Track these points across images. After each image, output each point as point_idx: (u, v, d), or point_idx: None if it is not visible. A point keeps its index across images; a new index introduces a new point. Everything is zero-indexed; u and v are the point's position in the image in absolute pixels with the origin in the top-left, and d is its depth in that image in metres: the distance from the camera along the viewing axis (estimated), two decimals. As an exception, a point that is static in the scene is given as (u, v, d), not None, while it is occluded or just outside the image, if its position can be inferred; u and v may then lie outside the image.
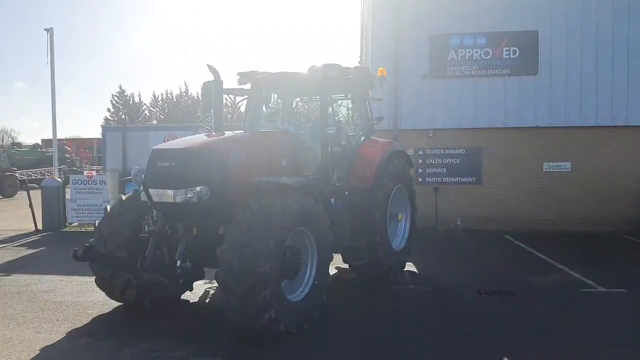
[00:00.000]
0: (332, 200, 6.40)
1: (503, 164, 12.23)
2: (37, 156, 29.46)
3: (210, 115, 6.94)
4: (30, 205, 12.43)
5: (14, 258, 9.12)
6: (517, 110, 12.13)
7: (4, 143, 38.63)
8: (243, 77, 7.39)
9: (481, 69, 12.17)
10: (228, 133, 6.30)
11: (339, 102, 7.95)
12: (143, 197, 5.41)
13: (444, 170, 12.37)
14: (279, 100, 8.19)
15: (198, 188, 5.14)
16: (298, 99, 8.28)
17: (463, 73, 12.23)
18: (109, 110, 48.29)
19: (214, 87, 6.48)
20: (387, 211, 7.30)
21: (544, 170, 12.22)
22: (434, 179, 12.36)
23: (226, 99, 37.57)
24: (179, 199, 5.16)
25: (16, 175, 24.13)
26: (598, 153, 12.07)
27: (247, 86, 7.48)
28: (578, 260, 8.72)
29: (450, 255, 9.50)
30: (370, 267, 7.14)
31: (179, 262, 5.22)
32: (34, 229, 12.32)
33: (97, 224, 6.03)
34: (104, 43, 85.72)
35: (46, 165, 26.93)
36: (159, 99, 49.00)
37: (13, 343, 5.01)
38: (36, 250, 9.92)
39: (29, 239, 11.26)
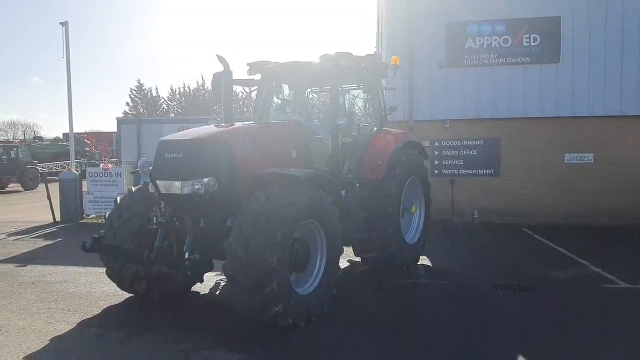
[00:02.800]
0: (343, 192, 6.28)
1: (522, 155, 11.93)
2: (58, 149, 30.01)
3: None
4: (49, 197, 12.62)
5: (31, 249, 9.26)
6: (538, 100, 11.79)
7: (26, 137, 39.38)
8: (253, 67, 7.29)
9: (500, 58, 11.86)
10: (237, 124, 6.21)
11: (351, 92, 7.77)
12: (151, 189, 5.37)
13: (461, 162, 12.12)
14: (290, 91, 8.07)
15: (205, 179, 5.07)
16: (309, 90, 8.15)
17: (481, 62, 11.93)
18: (127, 104, 48.93)
19: (223, 78, 6.41)
20: (400, 203, 7.15)
21: (565, 161, 11.88)
22: (450, 170, 12.13)
23: (242, 91, 37.68)
24: (186, 191, 5.11)
25: (37, 168, 24.63)
26: (622, 144, 11.68)
27: (257, 77, 7.39)
28: (599, 254, 8.44)
29: (465, 249, 9.30)
30: (383, 260, 7.02)
31: (186, 254, 5.18)
32: (52, 220, 12.51)
33: (107, 216, 6.04)
34: (123, 37, 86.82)
35: (67, 159, 27.33)
36: (176, 93, 49.41)
37: (25, 333, 5.05)
38: (53, 241, 10.06)
39: (47, 231, 11.43)
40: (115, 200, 6.10)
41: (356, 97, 7.94)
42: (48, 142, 32.85)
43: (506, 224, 11.45)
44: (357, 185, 6.66)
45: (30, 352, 4.56)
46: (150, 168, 5.36)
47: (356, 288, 6.66)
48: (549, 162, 11.88)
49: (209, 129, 5.82)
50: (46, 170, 25.30)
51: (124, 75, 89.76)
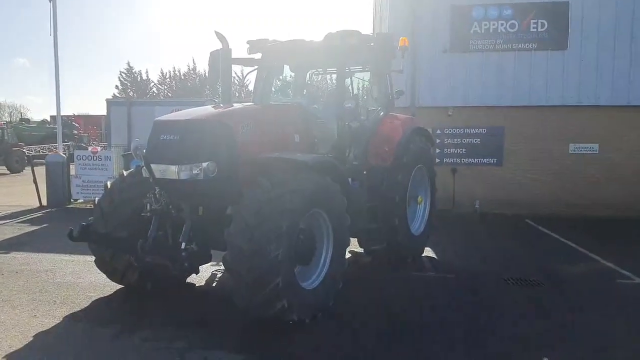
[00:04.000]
0: (349, 180, 5.91)
1: (526, 144, 11.61)
2: (45, 132, 29.25)
3: (218, 87, 6.47)
4: (35, 181, 12.11)
5: (15, 235, 8.78)
6: (544, 88, 11.44)
7: (13, 119, 38.40)
8: (253, 45, 6.83)
9: (506, 43, 11.46)
10: (237, 105, 5.79)
11: (357, 74, 7.35)
12: (145, 173, 4.95)
13: (463, 150, 11.78)
14: (291, 73, 7.63)
15: (204, 164, 4.67)
16: (312, 71, 7.71)
17: (486, 47, 11.52)
18: (117, 87, 47.99)
19: (222, 57, 5.98)
20: (407, 193, 6.81)
21: (570, 151, 11.58)
22: (452, 159, 11.79)
23: (236, 75, 36.93)
24: (183, 176, 4.70)
25: (24, 150, 23.92)
26: (629, 134, 11.39)
27: (258, 56, 6.93)
28: (609, 248, 8.18)
29: (469, 240, 9.01)
30: (388, 251, 6.69)
31: (183, 244, 4.80)
32: (38, 205, 12.01)
33: (96, 201, 5.62)
34: (113, 18, 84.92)
35: (54, 141, 26.62)
36: (166, 77, 48.53)
37: (6, 327, 4.65)
38: (39, 227, 9.59)
39: (33, 215, 10.94)
40: (106, 185, 5.67)
41: (364, 81, 7.50)
42: (35, 125, 32.01)
43: (508, 215, 11.17)
44: (364, 172, 6.29)
45: (11, 351, 4.16)
46: (144, 151, 4.94)
47: (362, 281, 6.31)
48: (553, 152, 11.59)
49: (208, 109, 5.40)
50: (33, 153, 24.58)
51: (113, 58, 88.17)
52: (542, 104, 11.47)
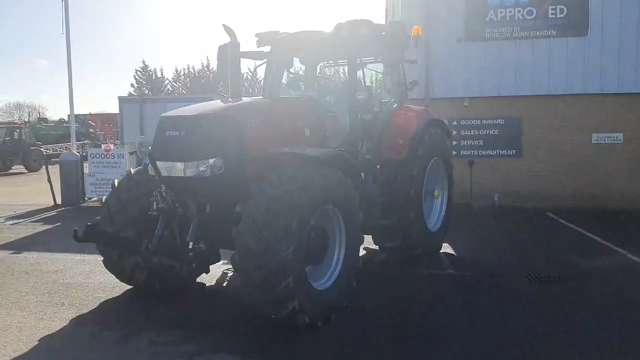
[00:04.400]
0: (362, 174, 5.69)
1: (546, 135, 11.23)
2: (62, 131, 29.51)
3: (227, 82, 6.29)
4: (49, 180, 12.14)
5: (29, 234, 8.78)
6: (564, 76, 11.03)
7: (31, 118, 38.91)
8: (262, 38, 6.63)
9: (523, 31, 11.07)
10: (245, 99, 5.61)
11: (368, 65, 7.10)
12: (151, 171, 4.80)
13: (481, 142, 11.45)
14: (301, 65, 7.42)
15: (211, 160, 4.50)
16: (323, 64, 7.49)
17: (503, 35, 11.16)
18: (132, 85, 48.25)
19: (230, 50, 5.79)
20: (423, 187, 6.56)
21: (593, 142, 11.17)
22: (469, 151, 11.47)
23: (247, 71, 36.80)
24: (189, 173, 4.54)
25: (41, 149, 24.16)
26: (655, 123, 10.93)
27: (267, 49, 6.74)
28: (635, 241, 7.82)
29: (489, 235, 8.71)
30: (404, 249, 6.45)
31: (190, 244, 4.65)
32: (52, 203, 12.04)
33: (104, 200, 5.51)
34: (128, 17, 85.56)
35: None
36: (180, 74, 48.65)
37: (12, 331, 4.56)
38: (52, 226, 9.58)
39: (47, 214, 10.95)
40: (113, 184, 5.55)
41: (374, 71, 7.25)
42: (52, 124, 32.38)
43: (528, 208, 10.83)
44: (377, 166, 6.06)
45: (15, 355, 4.06)
46: (150, 148, 4.78)
47: (377, 280, 6.10)
48: (575, 142, 11.18)
49: (215, 104, 5.23)
50: (50, 151, 24.86)
51: (129, 56, 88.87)
52: (562, 92, 11.08)
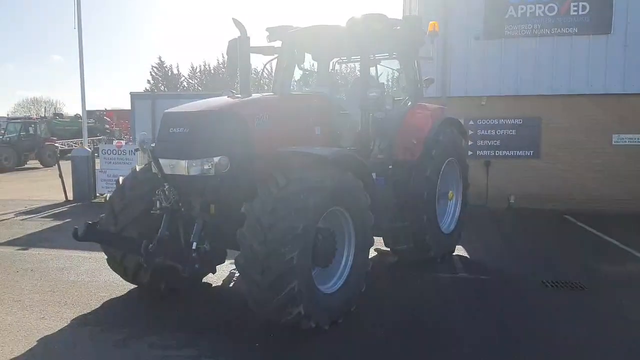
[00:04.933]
0: (374, 175, 5.49)
1: (565, 136, 10.87)
2: (78, 127, 29.60)
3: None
4: (60, 176, 12.15)
5: (37, 230, 8.75)
6: (585, 75, 10.66)
7: (47, 114, 39.35)
8: (273, 33, 6.47)
9: (544, 28, 10.72)
10: (254, 96, 5.44)
11: (385, 62, 6.88)
12: (154, 169, 4.66)
13: (497, 142, 11.14)
14: (314, 61, 7.23)
15: (216, 159, 4.35)
16: (335, 60, 7.29)
17: (523, 32, 10.81)
18: (148, 82, 48.53)
19: (239, 45, 5.62)
20: (437, 188, 6.34)
21: (613, 143, 10.79)
22: (485, 152, 11.17)
23: (263, 68, 36.62)
24: (193, 172, 4.39)
25: (57, 145, 24.34)
26: (679, 124, 10.51)
27: (278, 44, 6.57)
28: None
29: (504, 238, 8.44)
30: (416, 251, 6.24)
31: (194, 245, 4.50)
32: (64, 199, 12.05)
33: (107, 198, 5.39)
34: (144, 12, 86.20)
35: (88, 136, 27.13)
36: (197, 71, 48.81)
37: (12, 331, 4.46)
38: (61, 222, 9.55)
39: (57, 210, 10.94)
40: (117, 181, 5.44)
41: (388, 68, 7.02)
42: (68, 119, 32.68)
43: (546, 210, 10.51)
44: (390, 167, 5.86)
45: (12, 356, 3.95)
46: (153, 145, 4.64)
47: (387, 283, 5.90)
48: (595, 144, 10.81)
49: (221, 100, 5.06)
50: (66, 147, 25.05)
51: (146, 52, 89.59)
52: (583, 92, 10.70)
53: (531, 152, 11.07)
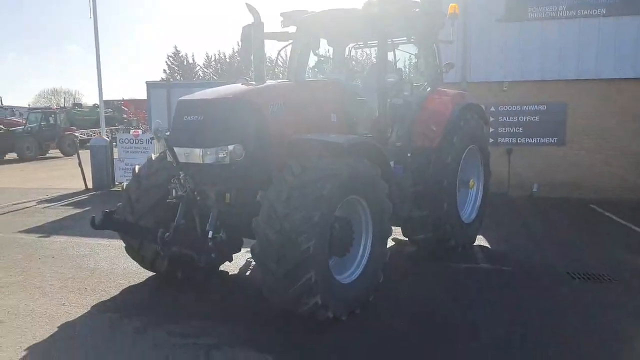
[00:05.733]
0: (392, 163, 5.37)
1: (591, 122, 10.53)
2: (97, 116, 30.00)
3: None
4: (80, 165, 12.28)
5: (58, 218, 8.86)
6: (612, 59, 10.27)
7: (66, 104, 39.94)
8: (287, 18, 6.32)
9: (569, 9, 10.33)
10: (269, 82, 5.34)
11: (402, 46, 6.69)
12: (169, 157, 4.62)
13: (520, 129, 10.85)
14: (329, 47, 7.08)
15: (231, 147, 4.28)
16: (351, 45, 7.13)
17: (546, 14, 10.44)
18: (164, 71, 48.87)
19: (253, 32, 5.52)
20: (457, 176, 6.18)
21: (642, 129, 10.41)
22: (507, 139, 10.89)
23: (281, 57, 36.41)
24: (208, 160, 4.33)
25: (76, 134, 24.69)
26: None
27: (292, 29, 6.43)
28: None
29: (527, 228, 8.22)
30: (435, 241, 6.11)
31: (210, 233, 4.46)
32: (84, 188, 12.20)
33: (124, 187, 5.39)
34: (161, 3, 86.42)
35: (106, 125, 27.46)
36: (212, 60, 48.91)
37: (33, 317, 4.51)
38: (81, 210, 9.66)
39: (77, 199, 11.09)
40: (134, 170, 5.43)
41: (406, 52, 6.83)
42: (87, 109, 33.11)
43: (570, 200, 10.22)
44: (408, 154, 5.72)
45: (34, 342, 4.00)
46: (167, 133, 4.60)
47: (404, 274, 5.79)
48: (622, 130, 10.44)
49: (236, 87, 4.98)
50: (85, 136, 25.40)
51: (162, 42, 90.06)
52: (610, 76, 10.31)
53: (555, 139, 10.76)
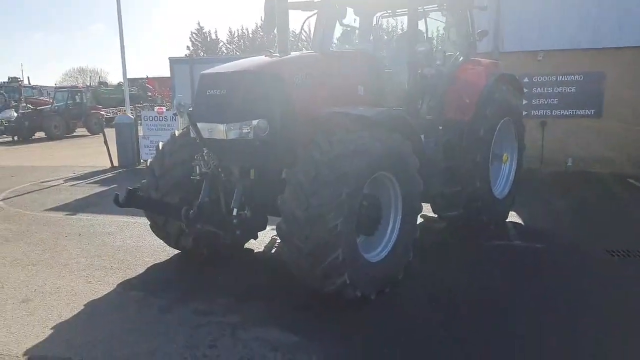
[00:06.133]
0: (422, 137, 5.12)
1: (632, 92, 9.92)
2: (122, 94, 30.27)
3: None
4: (106, 143, 12.36)
5: (85, 196, 8.93)
6: (657, 24, 9.60)
7: (92, 82, 40.39)
8: (312, -14, 6.04)
9: (610, -28, 9.66)
10: (293, 54, 5.11)
11: (433, 14, 6.33)
12: (192, 133, 4.49)
13: (555, 100, 10.34)
14: (356, 17, 6.77)
15: (255, 122, 4.12)
16: (379, 14, 6.80)
17: (585, -23, 9.79)
18: (188, 48, 48.70)
19: (277, 2, 5.27)
20: (490, 150, 5.89)
21: (687, 100, 9.79)
22: (541, 111, 10.41)
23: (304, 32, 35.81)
24: (232, 135, 4.18)
25: (102, 112, 24.94)
26: None
27: (317, -1, 6.14)
28: None
29: (561, 203, 7.88)
30: (467, 218, 5.88)
31: (235, 211, 4.35)
32: (110, 165, 12.30)
33: (148, 164, 5.32)
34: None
35: (131, 103, 27.66)
36: (234, 35, 48.49)
37: (59, 295, 4.51)
38: (107, 187, 9.72)
39: (104, 176, 11.18)
40: (157, 146, 5.33)
41: (437, 20, 6.47)
42: (112, 88, 33.39)
43: (606, 174, 9.77)
44: (440, 128, 5.45)
45: (60, 321, 3.98)
46: (191, 109, 4.46)
47: (434, 251, 5.60)
48: (665, 100, 9.85)
49: (259, 59, 4.77)
50: (111, 114, 25.64)
51: (185, 18, 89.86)
52: (654, 43, 9.67)
53: (592, 110, 10.23)
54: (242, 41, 48.08)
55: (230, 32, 49.47)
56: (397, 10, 6.65)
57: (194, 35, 48.74)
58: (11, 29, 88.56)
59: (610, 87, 10.05)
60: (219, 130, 4.22)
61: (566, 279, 4.75)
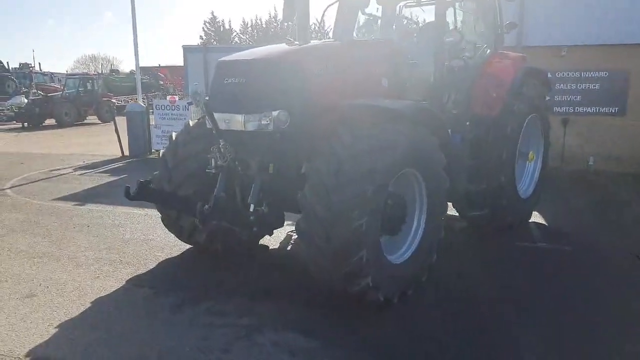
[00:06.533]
0: (449, 132, 4.87)
1: (658, 90, 9.56)
2: (134, 83, 30.13)
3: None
4: (117, 131, 12.20)
5: (94, 185, 8.78)
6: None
7: (104, 70, 40.26)
8: (334, -27, 5.77)
9: (641, -36, 9.27)
10: (314, 42, 4.86)
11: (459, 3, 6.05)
12: (208, 124, 4.27)
13: (578, 97, 9.99)
14: (378, 5, 6.49)
15: (275, 113, 3.89)
16: (403, 3, 6.52)
17: (614, -30, 9.41)
18: (201, 37, 48.53)
19: (298, -10, 5.03)
20: (517, 147, 5.63)
21: None
22: (564, 108, 10.06)
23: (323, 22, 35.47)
24: (250, 127, 3.96)
25: (113, 101, 24.83)
26: None
27: (339, -15, 5.87)
28: None
29: (584, 204, 7.59)
30: (492, 218, 5.62)
31: (252, 207, 4.13)
32: (120, 154, 12.15)
33: (161, 154, 5.11)
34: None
35: (143, 92, 27.49)
36: (248, 26, 48.23)
37: (66, 291, 4.34)
38: (117, 177, 9.56)
39: (114, 165, 11.03)
40: (170, 137, 5.12)
41: (463, 11, 6.17)
42: (124, 76, 33.26)
43: (630, 174, 9.43)
44: (467, 123, 5.19)
45: (65, 319, 3.80)
46: (207, 98, 4.23)
47: (457, 253, 5.36)
48: (694, 99, 9.47)
49: (279, 47, 4.54)
50: (122, 103, 25.52)
51: (198, 8, 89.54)
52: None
53: (615, 108, 9.86)
54: (255, 31, 47.81)
55: (244, 22, 49.21)
56: (422, 0, 6.37)
57: (207, 24, 48.61)
58: (23, 15, 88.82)
59: (634, 85, 9.68)
60: (237, 121, 4.00)
61: (594, 283, 4.53)
